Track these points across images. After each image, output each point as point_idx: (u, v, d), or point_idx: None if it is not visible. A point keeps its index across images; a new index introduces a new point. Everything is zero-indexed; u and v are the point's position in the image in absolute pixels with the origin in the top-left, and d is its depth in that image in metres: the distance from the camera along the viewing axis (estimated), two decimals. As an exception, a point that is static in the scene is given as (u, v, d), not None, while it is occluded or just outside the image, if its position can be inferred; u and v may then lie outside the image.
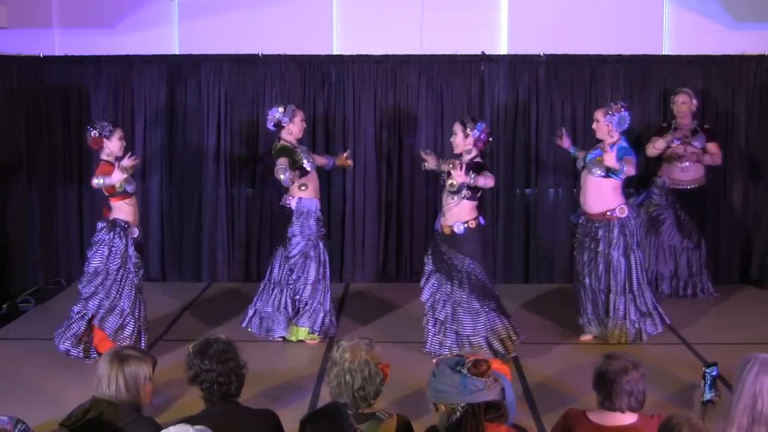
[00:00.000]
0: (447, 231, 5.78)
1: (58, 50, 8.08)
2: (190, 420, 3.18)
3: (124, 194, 5.78)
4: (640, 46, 7.79)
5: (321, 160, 6.62)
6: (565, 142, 6.52)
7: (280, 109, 6.21)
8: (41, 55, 7.95)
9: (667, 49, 7.96)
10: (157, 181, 8.04)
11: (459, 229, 5.74)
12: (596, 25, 7.90)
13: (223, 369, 3.44)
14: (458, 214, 5.75)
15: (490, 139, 5.87)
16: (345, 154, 6.66)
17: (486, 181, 5.64)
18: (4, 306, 7.25)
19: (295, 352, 6.15)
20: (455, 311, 5.76)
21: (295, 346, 6.21)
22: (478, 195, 5.82)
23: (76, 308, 5.81)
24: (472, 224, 5.76)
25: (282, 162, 6.02)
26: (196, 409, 3.57)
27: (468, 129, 5.72)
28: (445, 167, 5.85)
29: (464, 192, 5.71)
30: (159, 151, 8.00)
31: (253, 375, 5.57)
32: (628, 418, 3.32)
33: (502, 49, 8.00)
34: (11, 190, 7.98)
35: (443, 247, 5.81)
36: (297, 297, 6.21)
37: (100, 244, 5.73)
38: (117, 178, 5.67)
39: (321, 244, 6.28)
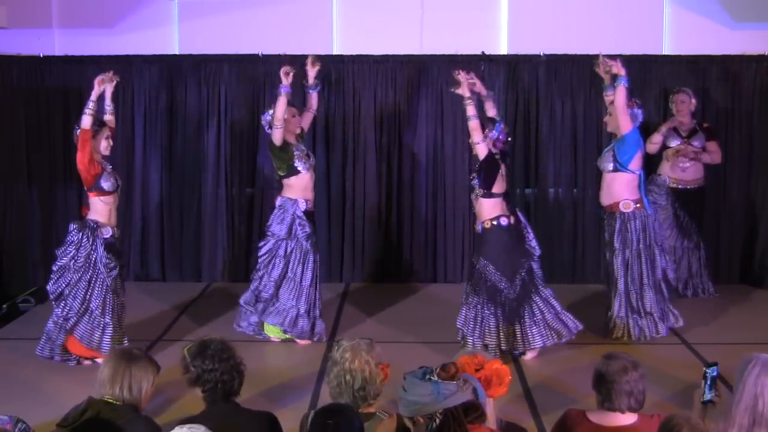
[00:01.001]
0: (476, 230, 5.91)
1: (58, 50, 8.08)
2: (189, 421, 3.17)
3: (100, 191, 5.68)
4: (640, 46, 7.78)
5: (313, 101, 6.50)
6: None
7: (271, 111, 6.19)
8: (41, 55, 7.94)
9: (667, 49, 7.96)
10: (157, 181, 8.03)
11: (478, 228, 5.85)
12: (596, 25, 7.89)
13: (226, 367, 3.44)
14: (479, 213, 5.82)
15: (509, 138, 5.93)
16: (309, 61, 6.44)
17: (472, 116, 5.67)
18: (4, 306, 7.25)
19: (295, 352, 6.14)
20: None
21: (295, 346, 6.21)
22: (494, 191, 5.75)
23: (51, 320, 5.77)
24: (488, 224, 5.75)
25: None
26: (196, 409, 3.57)
27: (486, 130, 5.75)
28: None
29: (477, 190, 5.78)
30: (159, 151, 8.00)
31: (253, 375, 5.56)
32: (628, 419, 3.31)
33: (502, 49, 7.99)
34: (11, 190, 7.98)
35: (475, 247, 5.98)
36: (262, 293, 6.22)
37: (69, 245, 5.68)
38: (87, 122, 5.57)
39: (306, 244, 6.18)
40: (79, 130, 5.62)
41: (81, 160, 5.60)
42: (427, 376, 2.99)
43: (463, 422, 2.93)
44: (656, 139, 7.09)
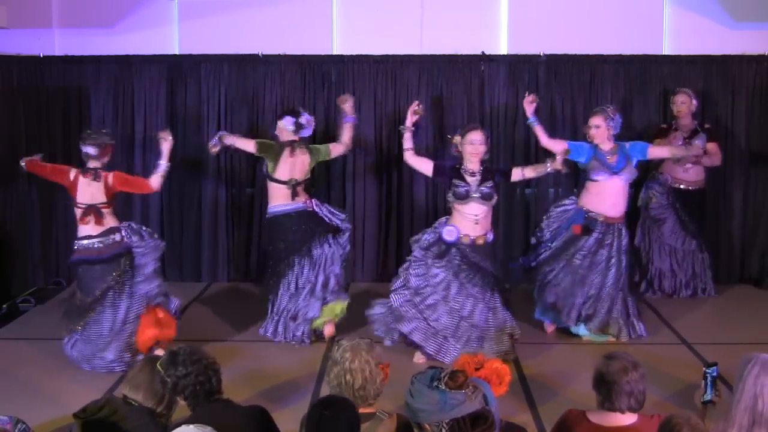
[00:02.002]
0: (481, 242, 5.76)
1: (58, 50, 8.07)
2: (179, 425, 3.17)
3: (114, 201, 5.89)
4: (640, 46, 7.79)
5: (346, 137, 6.44)
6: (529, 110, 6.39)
7: (308, 115, 6.33)
8: (41, 55, 7.94)
9: (667, 49, 7.96)
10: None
11: (490, 237, 5.80)
12: (596, 25, 7.90)
13: (199, 368, 3.45)
14: (486, 222, 5.79)
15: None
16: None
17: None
18: (4, 306, 7.25)
19: (295, 352, 6.14)
20: (481, 311, 5.79)
21: (295, 346, 6.21)
22: None
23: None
24: (493, 230, 5.83)
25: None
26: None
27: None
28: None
29: (495, 197, 5.76)
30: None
31: (253, 375, 5.59)
32: (628, 419, 3.31)
33: (502, 49, 8.00)
34: (11, 190, 7.98)
35: (471, 256, 5.75)
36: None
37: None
38: None
39: None
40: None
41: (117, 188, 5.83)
42: (435, 383, 2.92)
43: None
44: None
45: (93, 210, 5.72)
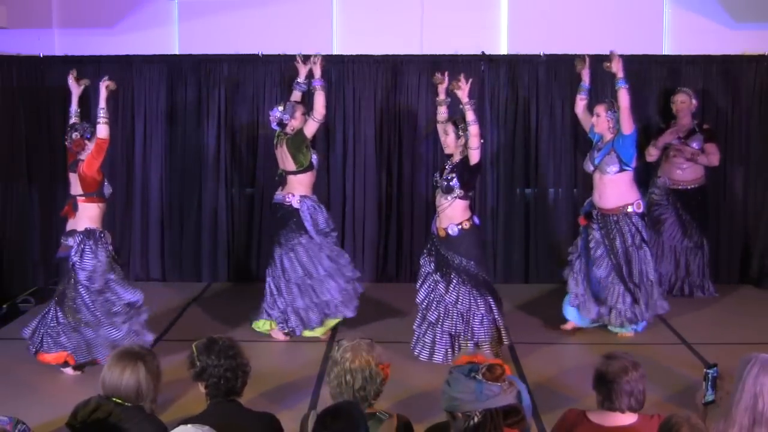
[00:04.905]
0: (442, 234, 5.78)
1: (58, 50, 8.08)
2: (191, 420, 3.18)
3: (101, 197, 5.75)
4: (640, 46, 7.79)
5: (319, 105, 6.23)
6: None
7: (280, 108, 6.27)
8: (41, 55, 7.94)
9: (667, 49, 7.97)
10: (157, 181, 8.03)
11: (453, 231, 5.73)
12: (596, 25, 7.90)
13: (231, 364, 3.48)
14: (451, 215, 5.74)
15: (482, 140, 5.81)
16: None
17: (474, 129, 5.58)
18: (4, 306, 7.24)
19: (295, 352, 6.15)
20: (448, 312, 5.74)
21: (295, 347, 6.21)
22: (470, 194, 5.81)
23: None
24: (466, 225, 5.74)
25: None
26: (197, 409, 3.58)
27: (460, 131, 5.71)
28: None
29: (457, 191, 5.70)
30: (159, 151, 8.00)
31: (253, 375, 5.57)
32: (628, 419, 3.32)
33: (502, 49, 8.00)
34: (11, 190, 7.98)
35: (441, 249, 5.80)
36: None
37: (88, 252, 5.64)
38: (106, 132, 5.62)
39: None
40: (91, 138, 5.67)
41: (94, 167, 5.64)
42: (473, 374, 2.95)
43: (501, 425, 2.89)
44: (653, 152, 7.26)
45: (71, 202, 5.75)
